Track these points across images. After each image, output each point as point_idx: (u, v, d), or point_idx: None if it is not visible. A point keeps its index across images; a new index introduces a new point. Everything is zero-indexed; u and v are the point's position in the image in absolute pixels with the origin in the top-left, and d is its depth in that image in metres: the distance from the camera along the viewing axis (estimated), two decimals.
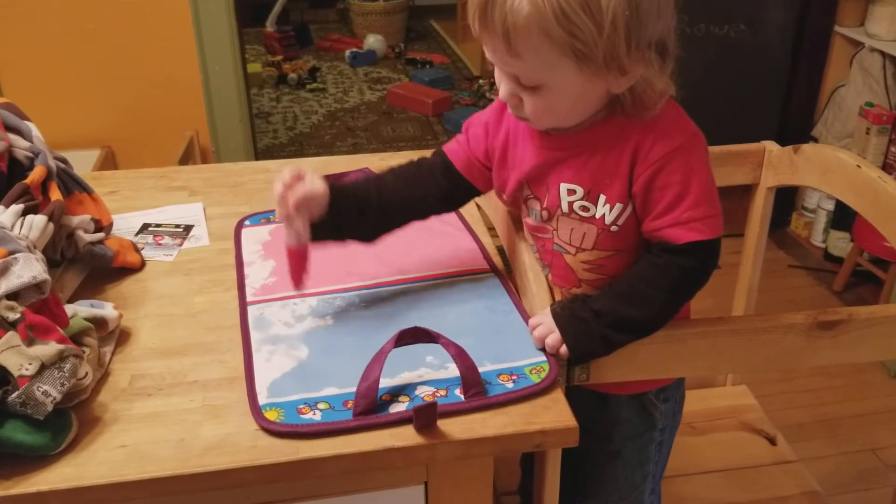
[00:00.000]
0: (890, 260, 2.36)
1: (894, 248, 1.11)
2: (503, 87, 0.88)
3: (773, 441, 1.46)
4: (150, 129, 2.32)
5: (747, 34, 2.57)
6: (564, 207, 0.94)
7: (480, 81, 4.35)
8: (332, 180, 1.31)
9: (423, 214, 1.06)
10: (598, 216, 0.92)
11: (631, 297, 0.89)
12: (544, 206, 0.97)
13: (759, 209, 1.38)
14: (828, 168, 1.22)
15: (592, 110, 0.89)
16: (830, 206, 2.64)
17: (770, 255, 2.69)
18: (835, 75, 2.66)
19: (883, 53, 2.45)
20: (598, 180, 0.91)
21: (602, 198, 0.91)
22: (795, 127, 2.71)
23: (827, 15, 2.58)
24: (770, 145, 1.34)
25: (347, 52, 4.81)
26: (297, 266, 0.97)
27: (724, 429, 1.49)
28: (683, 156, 0.87)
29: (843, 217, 2.57)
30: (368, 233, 1.03)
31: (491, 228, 1.22)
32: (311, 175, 0.94)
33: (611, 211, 0.91)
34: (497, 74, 0.89)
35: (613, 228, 0.92)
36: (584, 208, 0.93)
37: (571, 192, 0.93)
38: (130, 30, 2.21)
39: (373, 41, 4.89)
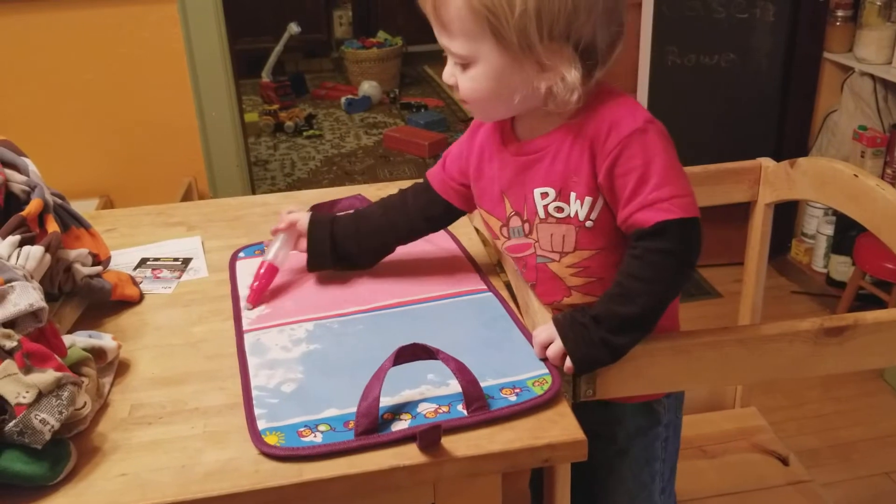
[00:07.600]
0: (892, 281, 2.35)
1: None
2: (446, 69, 0.94)
3: (785, 461, 1.44)
4: (147, 177, 2.33)
5: (737, 63, 2.59)
6: (541, 213, 0.96)
7: None
8: (325, 208, 1.32)
9: (406, 234, 1.13)
10: (572, 214, 0.94)
11: (621, 296, 0.89)
12: (525, 218, 0.99)
13: (759, 226, 1.38)
14: (825, 180, 1.22)
15: (523, 101, 0.91)
16: (830, 230, 2.63)
17: (772, 281, 2.68)
18: (826, 101, 2.69)
19: (873, 77, 2.48)
20: (566, 178, 0.93)
21: (573, 195, 0.93)
22: (790, 153, 2.71)
23: (815, 42, 2.60)
24: (766, 161, 1.34)
25: (343, 99, 4.86)
26: (264, 281, 1.10)
27: (735, 451, 1.47)
28: (638, 140, 0.88)
29: (843, 241, 2.57)
30: (362, 259, 1.13)
31: (486, 243, 1.22)
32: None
33: (582, 206, 0.93)
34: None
35: (588, 224, 0.94)
36: (559, 209, 0.95)
37: (545, 195, 0.95)
38: (127, 80, 2.23)
39: (368, 87, 4.94)
